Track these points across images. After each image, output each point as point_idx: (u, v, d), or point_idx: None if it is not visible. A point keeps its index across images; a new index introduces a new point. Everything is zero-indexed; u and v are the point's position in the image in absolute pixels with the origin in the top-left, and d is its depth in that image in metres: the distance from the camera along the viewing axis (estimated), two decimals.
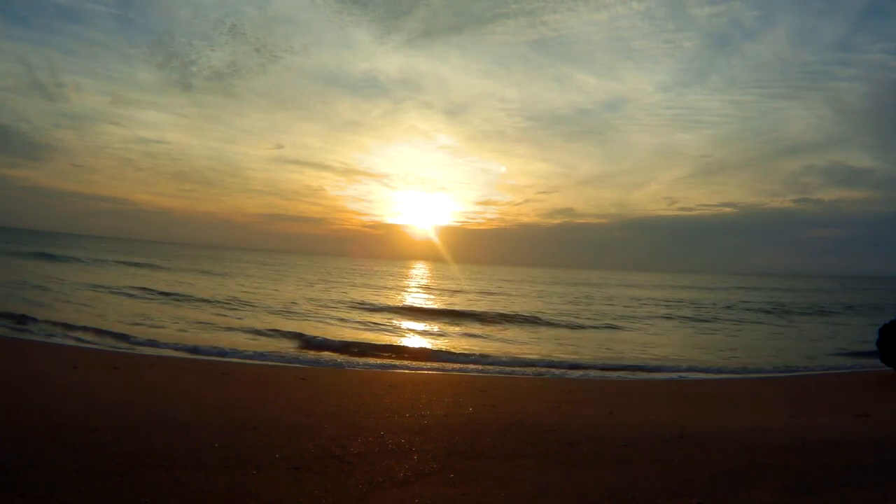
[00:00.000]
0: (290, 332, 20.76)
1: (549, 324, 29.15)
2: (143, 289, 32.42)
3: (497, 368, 16.38)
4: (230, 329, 21.24)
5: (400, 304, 36.04)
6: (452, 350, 19.40)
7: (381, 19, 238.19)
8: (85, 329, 17.71)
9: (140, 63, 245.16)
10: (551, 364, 17.27)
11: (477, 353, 18.81)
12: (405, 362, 17.10)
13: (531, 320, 30.11)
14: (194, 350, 15.92)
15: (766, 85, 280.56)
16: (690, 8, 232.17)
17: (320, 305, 32.08)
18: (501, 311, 33.05)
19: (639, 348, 21.97)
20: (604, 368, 17.04)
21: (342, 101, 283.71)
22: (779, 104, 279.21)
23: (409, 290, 52.57)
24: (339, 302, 34.56)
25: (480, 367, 16.52)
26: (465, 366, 16.61)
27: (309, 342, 19.18)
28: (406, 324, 27.37)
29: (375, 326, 25.35)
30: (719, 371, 17.26)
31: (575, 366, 17.20)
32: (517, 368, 16.53)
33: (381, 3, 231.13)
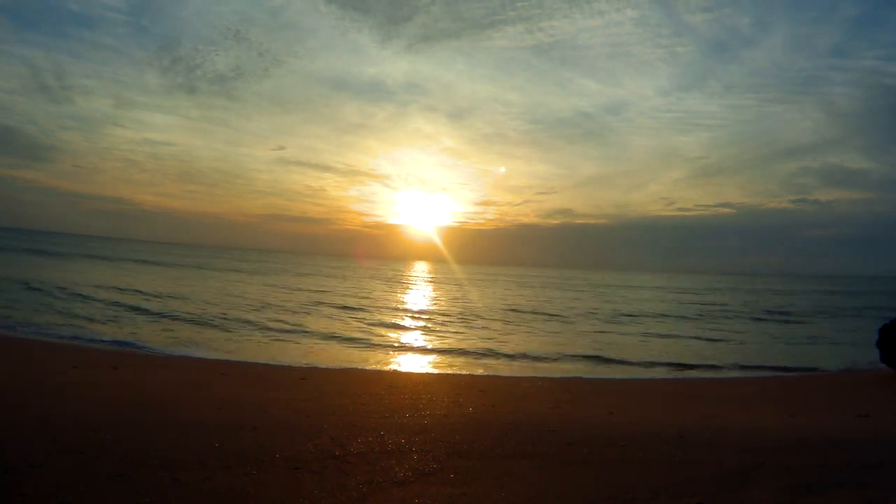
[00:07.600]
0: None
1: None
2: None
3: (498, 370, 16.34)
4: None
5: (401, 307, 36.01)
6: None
7: (383, 25, 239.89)
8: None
9: (146, 67, 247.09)
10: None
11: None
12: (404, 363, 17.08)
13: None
14: None
15: (762, 90, 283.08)
16: (685, 15, 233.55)
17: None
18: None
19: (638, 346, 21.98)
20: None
21: (347, 104, 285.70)
22: (775, 108, 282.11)
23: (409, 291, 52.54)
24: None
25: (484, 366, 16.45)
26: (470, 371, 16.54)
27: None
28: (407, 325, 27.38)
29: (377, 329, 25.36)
30: (719, 370, 17.27)
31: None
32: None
33: (383, 9, 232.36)
